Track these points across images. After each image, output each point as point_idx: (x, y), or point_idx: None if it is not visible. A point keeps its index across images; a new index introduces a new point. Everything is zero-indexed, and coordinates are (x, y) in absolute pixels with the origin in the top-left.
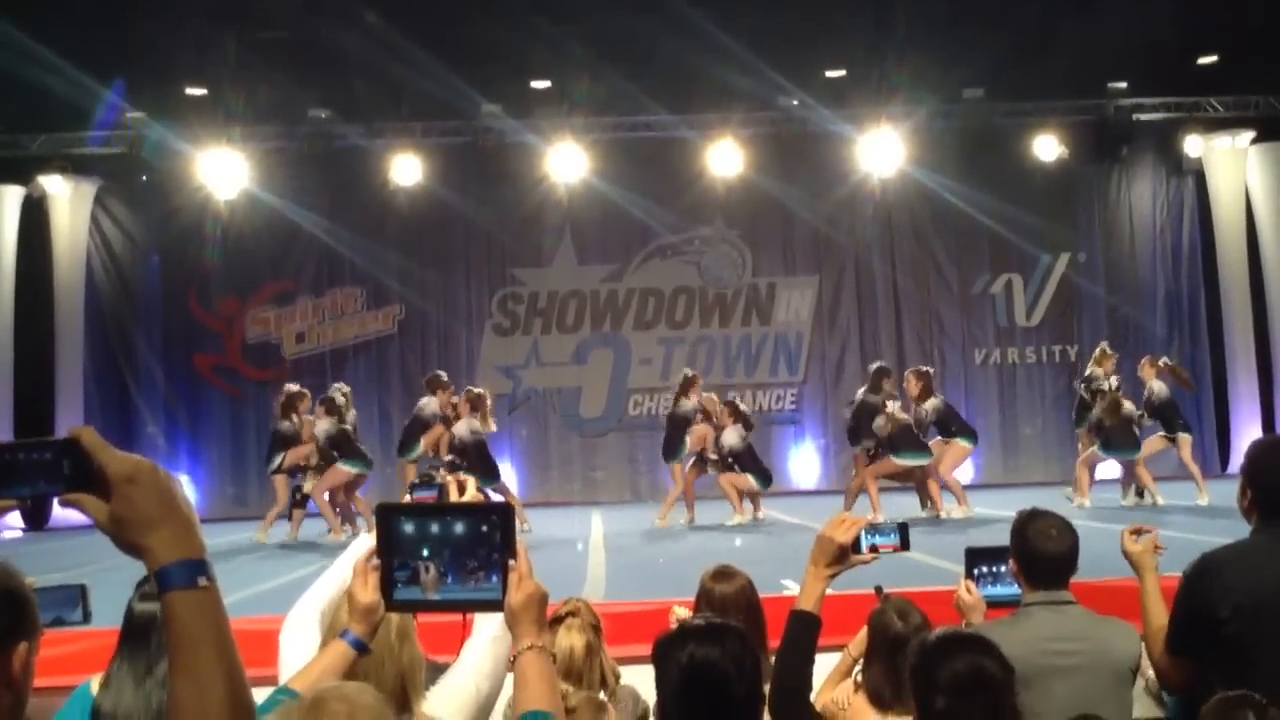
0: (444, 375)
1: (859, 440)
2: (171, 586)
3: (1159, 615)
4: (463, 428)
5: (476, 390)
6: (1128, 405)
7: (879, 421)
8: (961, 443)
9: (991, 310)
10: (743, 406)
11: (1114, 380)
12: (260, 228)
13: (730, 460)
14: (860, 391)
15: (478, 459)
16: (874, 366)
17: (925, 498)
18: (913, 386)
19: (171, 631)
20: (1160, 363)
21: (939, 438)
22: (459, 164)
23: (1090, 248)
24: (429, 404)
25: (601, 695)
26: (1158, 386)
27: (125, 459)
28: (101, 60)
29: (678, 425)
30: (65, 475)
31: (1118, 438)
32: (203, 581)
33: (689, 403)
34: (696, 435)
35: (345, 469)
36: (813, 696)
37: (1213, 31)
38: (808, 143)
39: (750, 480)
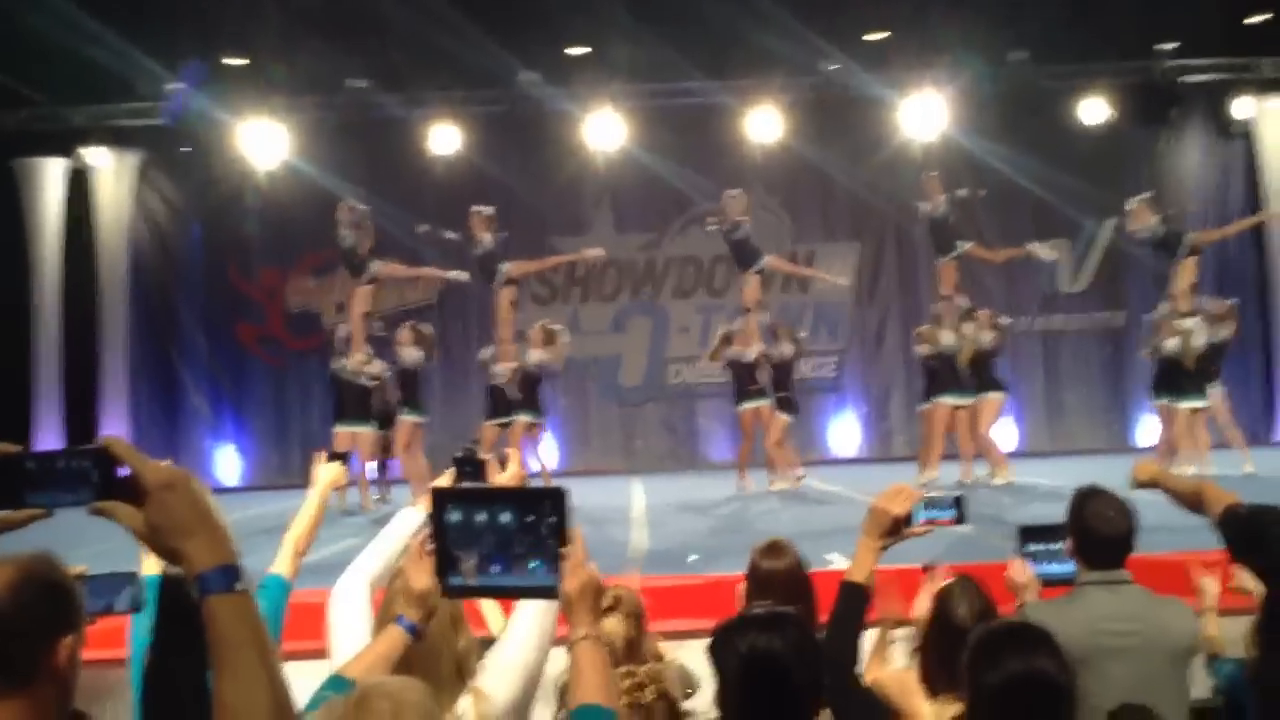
0: None
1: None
2: (211, 591)
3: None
4: (534, 357)
5: (554, 326)
6: (1197, 344)
7: (948, 340)
8: (993, 396)
9: (1036, 276)
10: (799, 334)
11: (1193, 320)
12: (300, 198)
13: (772, 376)
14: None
15: (529, 391)
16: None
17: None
18: (985, 319)
19: (215, 636)
20: None
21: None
22: (497, 133)
23: None
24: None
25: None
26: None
27: (161, 468)
28: (142, 30)
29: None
30: (94, 484)
31: (1190, 382)
32: (240, 586)
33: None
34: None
35: (410, 419)
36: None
37: None
38: (848, 108)
39: (785, 421)
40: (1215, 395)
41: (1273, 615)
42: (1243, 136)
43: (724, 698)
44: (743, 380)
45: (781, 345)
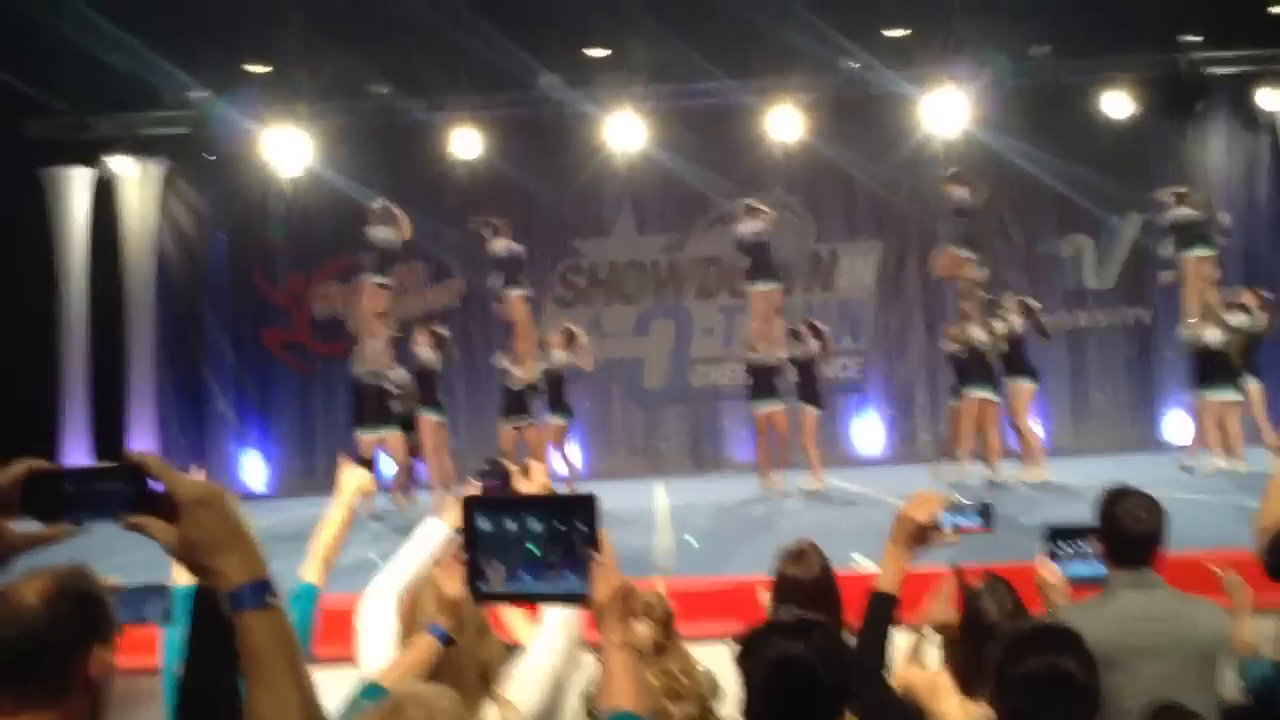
0: None
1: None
2: (245, 607)
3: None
4: (559, 358)
5: (575, 328)
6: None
7: (977, 335)
8: (1025, 383)
9: (1060, 273)
10: (822, 327)
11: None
12: (324, 204)
13: (797, 375)
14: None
15: (556, 393)
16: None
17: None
18: (1015, 306)
19: (248, 649)
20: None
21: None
22: (518, 136)
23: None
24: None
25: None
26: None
27: (195, 483)
28: (166, 38)
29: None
30: (128, 499)
31: (1223, 374)
32: (272, 600)
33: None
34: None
35: (431, 418)
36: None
37: None
38: (869, 105)
39: (815, 416)
40: (1250, 389)
41: None
42: (1269, 129)
43: (750, 705)
44: (760, 381)
45: (807, 343)
